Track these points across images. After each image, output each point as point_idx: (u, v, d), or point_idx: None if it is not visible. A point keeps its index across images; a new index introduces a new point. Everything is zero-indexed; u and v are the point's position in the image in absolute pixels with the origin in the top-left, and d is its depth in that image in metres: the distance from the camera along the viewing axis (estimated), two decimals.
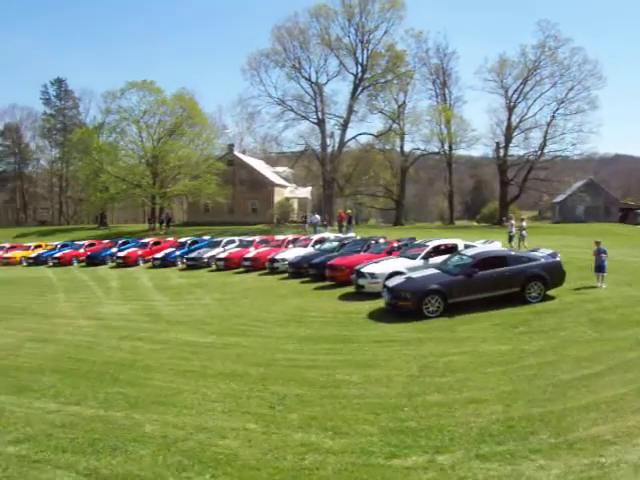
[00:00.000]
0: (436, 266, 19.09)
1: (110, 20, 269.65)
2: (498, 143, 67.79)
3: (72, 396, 10.83)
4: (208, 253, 34.65)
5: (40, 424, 9.26)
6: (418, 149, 69.42)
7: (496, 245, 25.50)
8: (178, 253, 36.72)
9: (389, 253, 24.16)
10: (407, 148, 69.51)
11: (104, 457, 7.80)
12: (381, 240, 28.53)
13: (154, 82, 67.69)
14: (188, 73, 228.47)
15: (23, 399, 10.74)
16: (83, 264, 40.34)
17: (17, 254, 45.46)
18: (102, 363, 13.43)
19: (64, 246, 45.83)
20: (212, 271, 32.39)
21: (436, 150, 69.70)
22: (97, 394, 10.75)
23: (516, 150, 67.73)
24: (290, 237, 36.26)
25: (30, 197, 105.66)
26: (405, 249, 23.88)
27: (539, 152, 65.26)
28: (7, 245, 50.65)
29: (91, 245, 45.12)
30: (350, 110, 65.13)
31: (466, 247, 21.51)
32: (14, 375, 12.66)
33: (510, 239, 32.27)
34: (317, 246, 30.68)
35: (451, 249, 21.64)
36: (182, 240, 40.62)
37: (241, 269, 31.29)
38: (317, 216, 52.06)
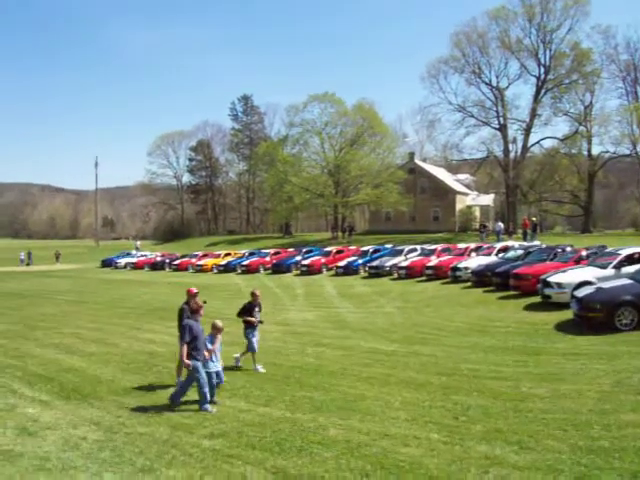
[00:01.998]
0: (630, 276, 17.91)
1: (290, 39, 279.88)
2: None
3: (261, 397, 11.35)
4: (390, 261, 34.91)
5: (232, 422, 9.77)
6: (607, 152, 65.03)
7: None
8: (360, 261, 37.34)
9: (577, 262, 23.10)
10: (595, 151, 65.41)
11: (290, 457, 8.07)
12: (568, 248, 27.35)
13: (335, 94, 69.52)
14: (367, 83, 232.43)
15: (217, 397, 11.38)
16: (269, 271, 42.15)
17: (208, 262, 48.44)
18: (288, 367, 13.97)
19: (251, 254, 48.16)
20: (394, 279, 32.58)
21: (627, 152, 65.12)
22: (284, 397, 11.19)
23: None
24: (472, 245, 35.68)
25: (220, 208, 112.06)
26: (594, 258, 22.66)
27: None
28: (199, 253, 54.17)
29: (277, 253, 47.03)
30: (533, 114, 62.77)
31: None
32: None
33: None
34: (501, 254, 29.98)
35: None
36: (364, 249, 41.25)
37: (423, 277, 31.24)
38: (500, 224, 50.76)
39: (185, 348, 10.47)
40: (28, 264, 70.09)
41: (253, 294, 14.00)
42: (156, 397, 11.59)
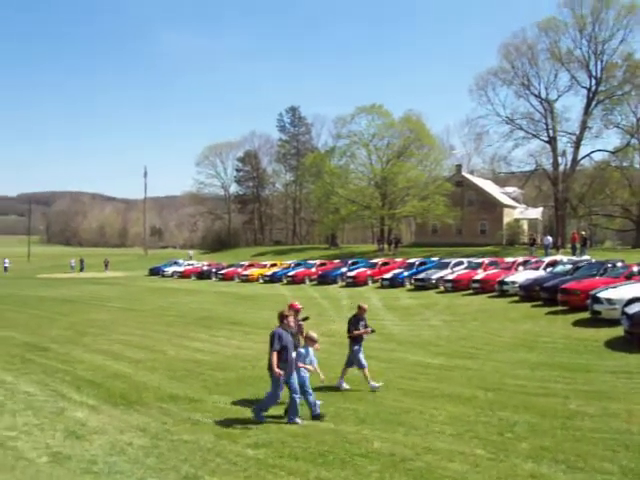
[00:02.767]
0: None
1: (338, 51, 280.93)
2: None
3: (305, 408, 11.20)
4: (436, 274, 34.67)
5: (276, 432, 9.81)
6: None
7: None
8: (406, 274, 37.14)
9: (628, 278, 22.60)
10: None
11: (334, 468, 8.06)
12: (619, 264, 26.78)
13: (382, 105, 69.34)
14: (414, 95, 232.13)
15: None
16: (315, 282, 42.18)
17: (255, 272, 48.66)
18: (333, 378, 13.97)
19: (297, 265, 48.29)
20: (440, 292, 32.34)
21: None
22: (328, 408, 11.17)
23: None
24: (520, 259, 35.23)
25: (267, 218, 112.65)
26: None
27: None
28: (246, 263, 54.51)
29: (322, 264, 47.02)
30: (583, 126, 61.69)
31: None
32: (254, 384, 13.50)
33: None
34: (549, 269, 29.55)
35: None
36: (410, 261, 41.02)
37: (469, 291, 30.94)
38: (549, 237, 49.98)
39: (275, 356, 10.26)
40: (81, 270, 72.59)
41: (360, 307, 13.27)
42: (202, 405, 11.71)
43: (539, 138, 63.49)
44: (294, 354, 10.67)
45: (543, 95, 63.10)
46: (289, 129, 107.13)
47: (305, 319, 12.45)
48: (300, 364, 10.74)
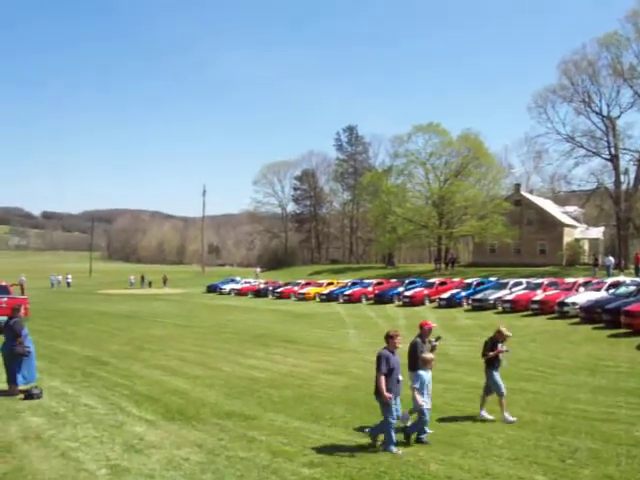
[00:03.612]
0: None
1: (395, 70, 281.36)
2: None
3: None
4: (494, 295, 34.24)
5: (332, 451, 9.75)
6: None
7: None
8: (464, 294, 36.79)
9: None
10: None
11: None
12: None
13: (440, 124, 69.14)
14: (472, 113, 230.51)
15: (317, 426, 11.43)
16: (371, 302, 42.08)
17: (311, 290, 48.83)
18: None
19: (354, 284, 48.28)
20: (498, 313, 31.93)
21: None
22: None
23: None
24: (581, 280, 34.51)
25: (323, 237, 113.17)
26: None
27: None
28: (302, 281, 54.77)
29: (379, 284, 46.93)
30: None
31: None
32: (309, 403, 13.54)
33: None
34: (611, 290, 28.86)
35: None
36: (468, 281, 40.64)
37: (528, 312, 30.45)
38: (611, 258, 48.79)
39: (383, 380, 9.77)
40: (150, 285, 75.79)
41: (499, 332, 12.06)
42: (257, 422, 11.73)
43: (600, 156, 62.23)
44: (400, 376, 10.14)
45: (604, 112, 61.86)
46: (346, 148, 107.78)
47: (438, 339, 11.91)
48: (417, 394, 10.16)
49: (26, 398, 13.23)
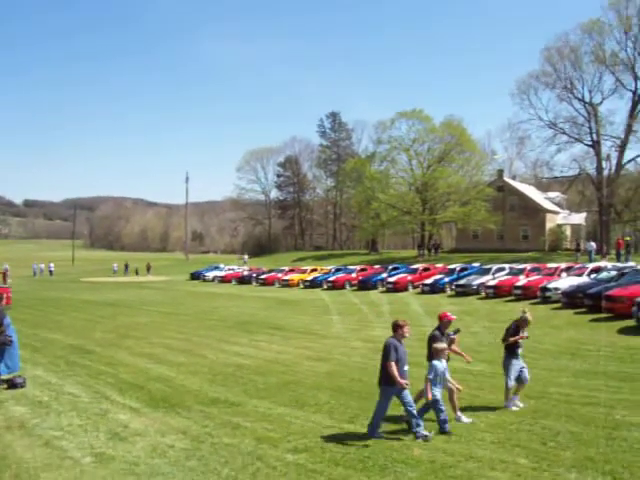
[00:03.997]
0: None
1: (378, 57, 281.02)
2: None
3: (345, 414, 11.37)
4: (477, 280, 34.39)
5: (316, 437, 9.80)
6: None
7: None
8: (447, 280, 36.93)
9: None
10: None
11: (373, 475, 8.01)
12: None
13: (423, 110, 69.14)
14: (455, 99, 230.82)
15: (301, 412, 11.49)
16: (355, 288, 42.15)
17: (295, 277, 48.83)
18: (373, 384, 13.87)
19: (338, 270, 48.34)
20: (481, 298, 32.09)
21: None
22: (368, 413, 11.11)
23: None
24: (563, 265, 34.76)
25: (307, 224, 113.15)
26: None
27: None
28: (286, 268, 54.80)
29: (363, 270, 47.02)
30: (628, 130, 60.45)
31: None
32: (293, 389, 13.60)
33: None
34: (593, 275, 29.10)
35: None
36: (451, 267, 40.82)
37: (511, 297, 30.64)
38: (593, 243, 49.14)
39: (394, 366, 9.56)
40: (137, 272, 75.26)
41: (522, 317, 11.75)
42: (242, 409, 11.78)
43: (582, 142, 62.53)
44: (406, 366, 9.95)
45: (587, 98, 62.09)
46: (330, 134, 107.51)
47: (457, 332, 11.57)
48: (429, 385, 9.93)
49: (9, 387, 13.18)
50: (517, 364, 11.54)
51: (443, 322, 11.16)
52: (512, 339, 11.51)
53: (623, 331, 19.98)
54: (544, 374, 14.53)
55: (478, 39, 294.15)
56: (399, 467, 8.27)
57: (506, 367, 11.61)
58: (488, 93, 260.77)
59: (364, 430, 10.09)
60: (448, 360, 10.64)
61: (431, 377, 9.99)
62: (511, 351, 11.59)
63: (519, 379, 11.59)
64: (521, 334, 11.56)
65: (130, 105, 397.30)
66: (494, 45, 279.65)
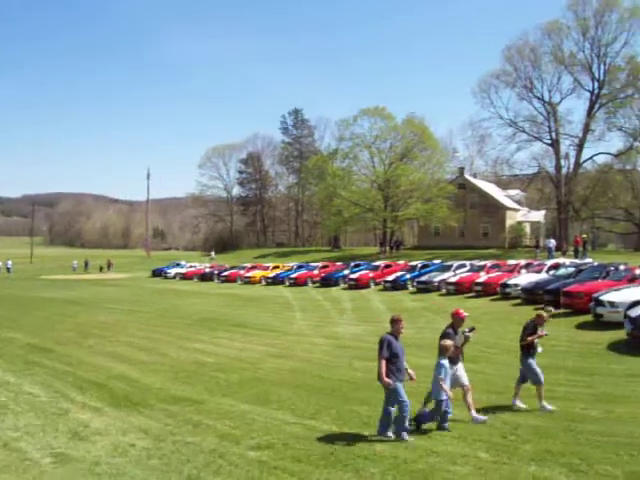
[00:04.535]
0: None
1: (341, 54, 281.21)
2: None
3: (307, 410, 11.38)
4: (439, 277, 34.66)
5: (279, 434, 9.81)
6: None
7: None
8: (409, 276, 37.16)
9: (631, 281, 22.61)
10: None
11: (336, 471, 8.03)
12: (622, 267, 26.73)
13: (385, 108, 69.45)
14: (417, 97, 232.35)
15: (264, 409, 11.49)
16: (317, 285, 42.19)
17: (257, 274, 48.69)
18: (336, 380, 13.98)
19: (300, 267, 48.32)
20: (442, 295, 32.35)
21: None
22: (330, 410, 11.19)
23: None
24: (523, 262, 35.21)
25: (269, 220, 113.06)
26: None
27: None
28: (248, 265, 54.59)
29: (325, 267, 47.05)
30: (586, 129, 61.74)
31: None
32: (256, 386, 13.60)
33: None
34: (551, 272, 29.52)
35: None
36: (413, 264, 41.05)
37: (472, 293, 30.93)
38: (552, 240, 49.88)
39: (384, 364, 9.45)
40: (100, 269, 74.49)
41: (539, 315, 11.50)
42: (204, 407, 11.72)
43: (542, 141, 63.66)
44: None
45: (546, 98, 63.27)
46: (292, 131, 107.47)
47: (472, 330, 11.13)
48: (442, 384, 9.82)
49: None
50: (535, 364, 11.28)
51: (456, 319, 10.85)
52: (529, 338, 11.25)
53: (581, 326, 20.34)
54: (505, 369, 14.70)
55: (443, 36, 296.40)
56: (361, 463, 8.31)
57: (529, 369, 11.24)
58: (451, 91, 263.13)
59: (327, 426, 10.13)
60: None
61: (442, 376, 9.87)
62: (528, 352, 11.34)
63: (525, 379, 11.47)
64: (539, 332, 11.32)
65: (91, 102, 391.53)
66: (459, 43, 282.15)
